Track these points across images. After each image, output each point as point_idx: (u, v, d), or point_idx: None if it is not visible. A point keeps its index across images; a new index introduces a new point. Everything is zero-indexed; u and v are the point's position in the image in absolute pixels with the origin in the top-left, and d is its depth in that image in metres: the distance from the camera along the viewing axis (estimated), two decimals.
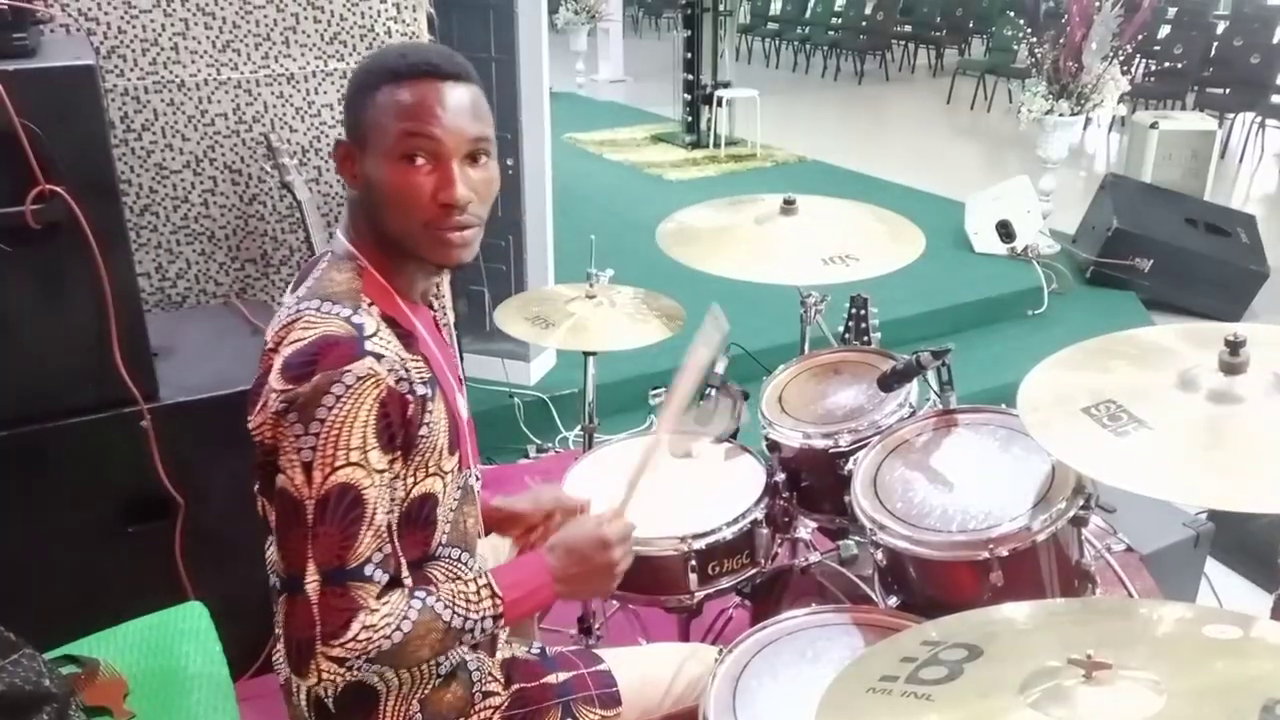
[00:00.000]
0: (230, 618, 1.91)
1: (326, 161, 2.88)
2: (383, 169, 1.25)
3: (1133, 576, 2.01)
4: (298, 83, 2.77)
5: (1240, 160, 7.88)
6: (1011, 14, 10.06)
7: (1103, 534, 1.99)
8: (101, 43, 2.53)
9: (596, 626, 2.26)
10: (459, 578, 1.36)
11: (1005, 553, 1.54)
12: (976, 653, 1.05)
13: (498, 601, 1.30)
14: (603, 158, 7.78)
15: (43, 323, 1.97)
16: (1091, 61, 5.06)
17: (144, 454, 2.08)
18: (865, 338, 2.36)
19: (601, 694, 1.51)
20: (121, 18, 2.54)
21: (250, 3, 2.66)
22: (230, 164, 2.76)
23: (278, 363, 1.22)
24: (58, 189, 1.87)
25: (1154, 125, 5.84)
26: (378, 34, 2.82)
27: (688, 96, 7.87)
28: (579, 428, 2.50)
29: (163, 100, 2.64)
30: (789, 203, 2.24)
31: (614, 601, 2.12)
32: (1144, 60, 8.91)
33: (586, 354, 2.34)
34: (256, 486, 1.30)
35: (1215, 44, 8.71)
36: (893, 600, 1.70)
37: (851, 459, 1.84)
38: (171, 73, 2.63)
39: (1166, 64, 8.74)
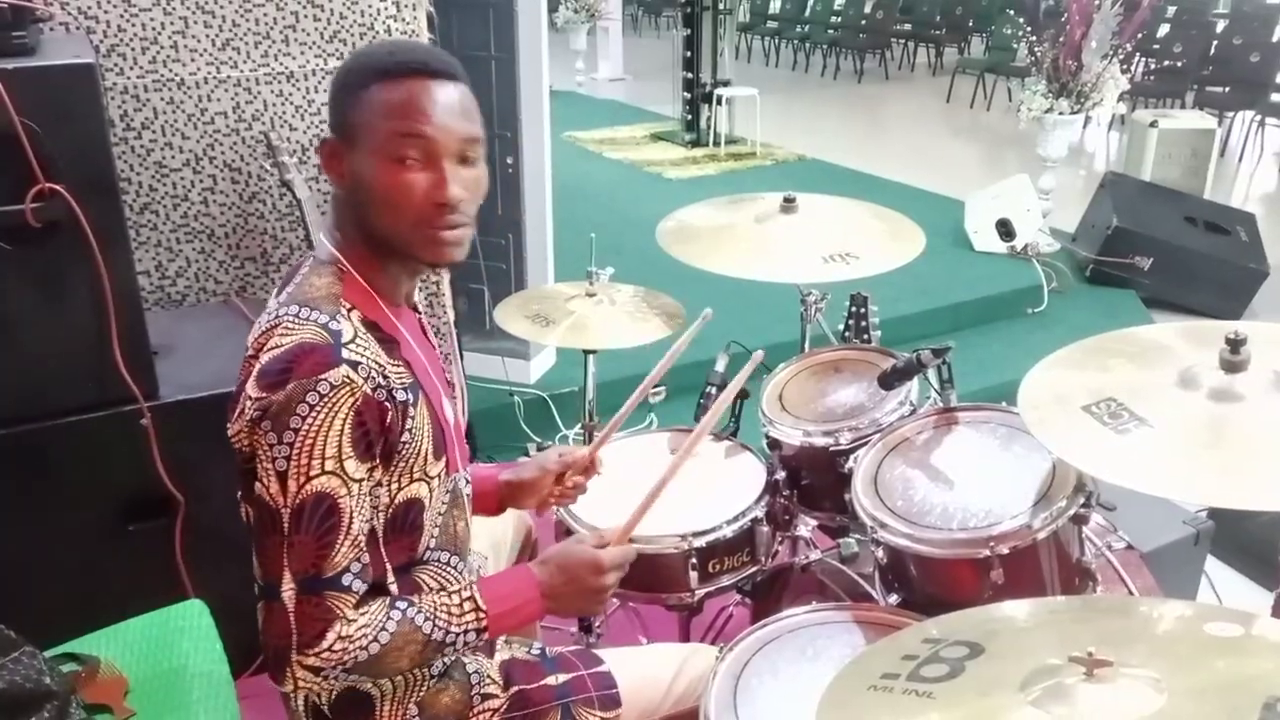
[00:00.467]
0: (231, 616, 1.91)
1: None
2: (374, 168, 1.24)
3: (1133, 574, 2.01)
4: (297, 81, 2.77)
5: (1240, 159, 7.88)
6: (1011, 13, 10.05)
7: (1103, 532, 1.99)
8: (101, 41, 2.53)
9: (597, 625, 2.26)
10: (444, 588, 1.35)
11: (1006, 550, 1.55)
12: (977, 650, 1.05)
13: (481, 615, 1.29)
14: (602, 156, 7.78)
15: (42, 321, 1.97)
16: (1091, 60, 5.05)
17: (144, 452, 2.08)
18: (865, 336, 2.36)
19: (601, 695, 1.50)
20: (121, 16, 2.54)
21: (250, 1, 2.66)
22: (230, 162, 2.76)
23: (255, 370, 1.21)
24: (57, 187, 1.87)
25: (1153, 124, 5.84)
26: (377, 32, 2.82)
27: (687, 95, 7.86)
28: (579, 426, 2.50)
29: (162, 98, 2.64)
30: (789, 201, 2.24)
31: (614, 600, 2.12)
32: (1144, 59, 8.91)
33: (586, 352, 2.34)
34: (239, 492, 1.29)
35: (1215, 42, 8.70)
36: (893, 598, 1.71)
37: (852, 457, 1.84)
38: (171, 71, 2.63)
39: (1166, 62, 8.73)
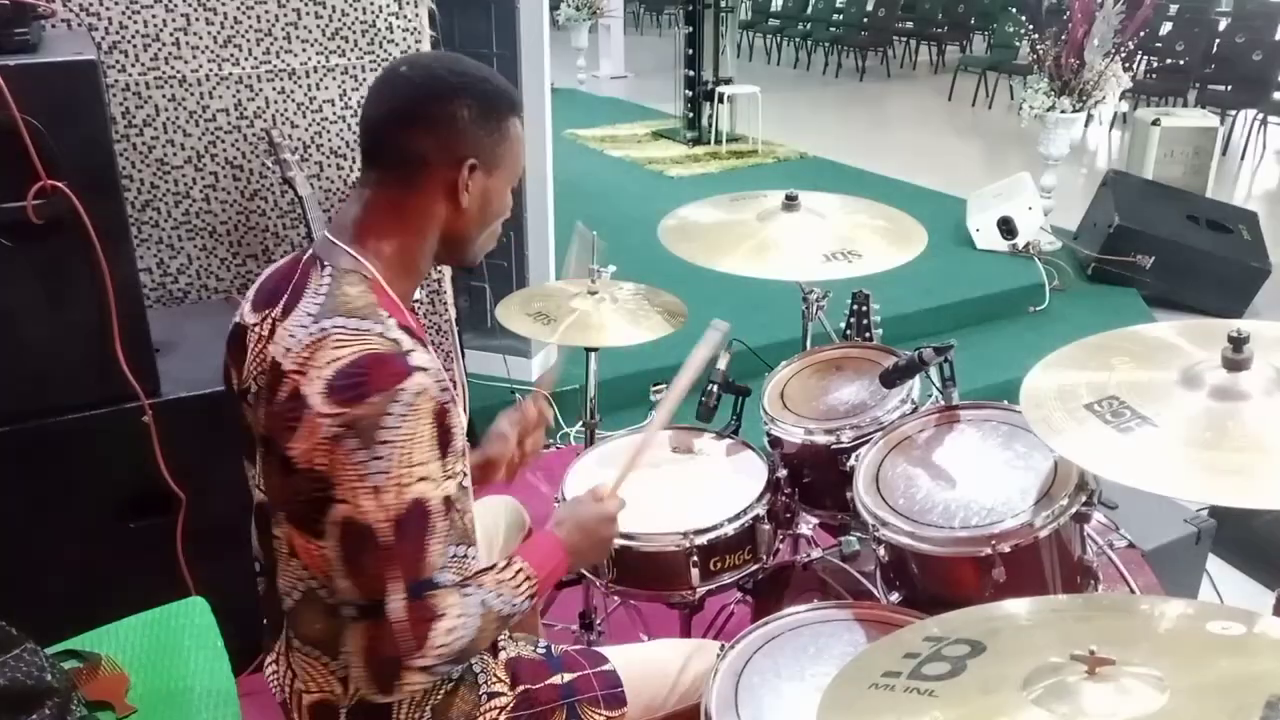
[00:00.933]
0: (232, 613, 1.91)
1: (328, 157, 2.88)
2: (504, 193, 1.37)
3: (1135, 573, 2.01)
4: (299, 78, 2.77)
5: (1242, 157, 7.88)
6: (1013, 10, 10.03)
7: (1105, 530, 1.99)
8: (103, 38, 2.53)
9: (598, 622, 2.26)
10: (493, 566, 1.37)
11: (1008, 549, 1.54)
12: (979, 649, 1.05)
13: (533, 583, 1.36)
14: (604, 154, 7.77)
15: (44, 318, 1.97)
16: (1093, 58, 5.05)
17: (145, 450, 2.08)
18: (867, 334, 2.35)
19: (607, 694, 1.50)
20: (123, 13, 2.54)
21: None
22: (232, 159, 2.76)
23: (317, 386, 1.18)
24: (59, 184, 1.87)
25: (1156, 122, 5.84)
26: (379, 29, 2.82)
27: (689, 93, 7.86)
28: (580, 423, 2.50)
29: (164, 95, 2.64)
30: (791, 199, 2.23)
31: (615, 597, 2.12)
32: (1146, 57, 8.90)
33: (588, 350, 2.33)
34: (282, 526, 1.28)
35: (1217, 41, 8.69)
36: (895, 596, 1.70)
37: (853, 455, 1.84)
38: (173, 68, 2.63)
39: (1168, 61, 8.73)
